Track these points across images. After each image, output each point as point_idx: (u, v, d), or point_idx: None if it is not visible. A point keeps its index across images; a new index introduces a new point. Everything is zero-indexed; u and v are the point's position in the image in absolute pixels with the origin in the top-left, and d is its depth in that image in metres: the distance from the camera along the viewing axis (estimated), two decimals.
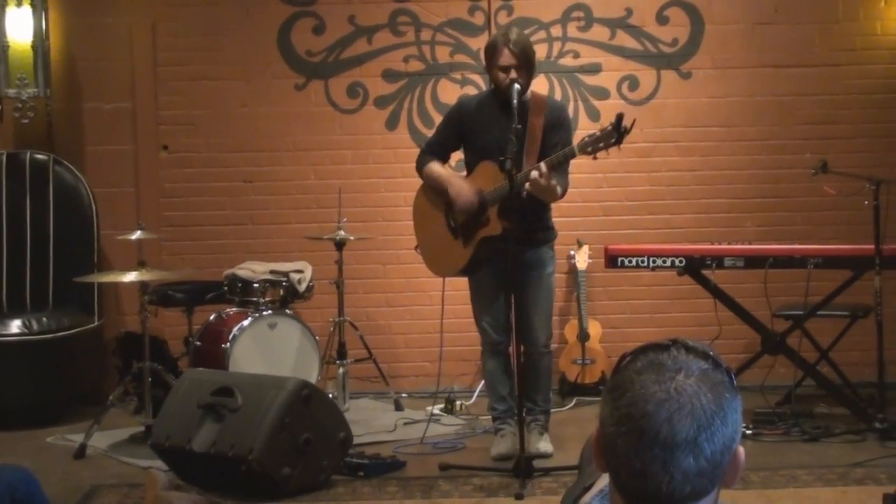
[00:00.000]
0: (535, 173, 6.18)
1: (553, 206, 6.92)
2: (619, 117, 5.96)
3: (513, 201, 6.25)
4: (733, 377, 1.92)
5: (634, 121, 6.06)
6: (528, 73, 6.62)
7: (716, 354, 1.93)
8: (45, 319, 8.02)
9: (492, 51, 6.67)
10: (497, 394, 7.03)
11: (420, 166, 7.02)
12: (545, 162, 6.19)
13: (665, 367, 1.88)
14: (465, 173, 6.96)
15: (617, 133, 5.97)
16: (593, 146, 6.08)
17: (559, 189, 6.45)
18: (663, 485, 1.84)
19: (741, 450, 1.91)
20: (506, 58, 6.56)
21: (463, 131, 6.87)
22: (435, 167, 6.92)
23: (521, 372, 6.43)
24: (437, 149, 7.01)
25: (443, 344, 7.73)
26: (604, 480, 2.14)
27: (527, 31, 8.53)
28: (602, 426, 1.92)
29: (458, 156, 7.19)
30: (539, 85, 8.45)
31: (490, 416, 7.21)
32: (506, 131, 6.28)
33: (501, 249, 6.45)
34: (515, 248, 6.35)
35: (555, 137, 6.62)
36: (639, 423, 1.84)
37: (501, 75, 6.56)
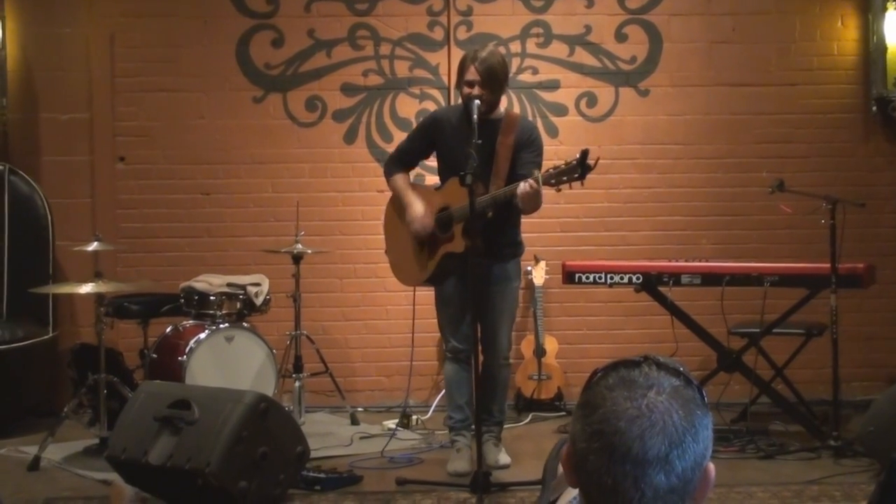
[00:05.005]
0: (524, 186, 6.21)
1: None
2: (585, 153, 5.98)
3: (475, 221, 6.28)
4: (704, 394, 1.93)
5: (598, 158, 6.07)
6: (492, 90, 6.65)
7: (686, 371, 1.93)
8: None
9: (461, 66, 6.78)
10: (455, 402, 7.02)
11: (387, 175, 7.12)
12: (542, 176, 6.19)
13: (636, 384, 1.88)
14: (437, 184, 7.05)
15: (581, 168, 5.99)
16: (557, 179, 6.11)
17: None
18: (634, 501, 1.84)
19: (711, 467, 1.91)
20: (470, 73, 6.65)
21: (435, 142, 6.94)
22: (400, 181, 7.02)
23: (479, 384, 6.45)
24: (406, 157, 7.12)
25: (413, 358, 7.76)
26: (570, 494, 2.14)
27: (477, 46, 8.59)
28: (573, 442, 1.91)
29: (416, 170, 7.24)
30: None
31: (446, 429, 7.20)
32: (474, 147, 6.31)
33: (467, 263, 6.47)
34: (478, 264, 6.37)
35: (523, 157, 6.66)
36: (610, 440, 1.84)
37: (466, 89, 6.64)
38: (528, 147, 6.73)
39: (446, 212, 6.73)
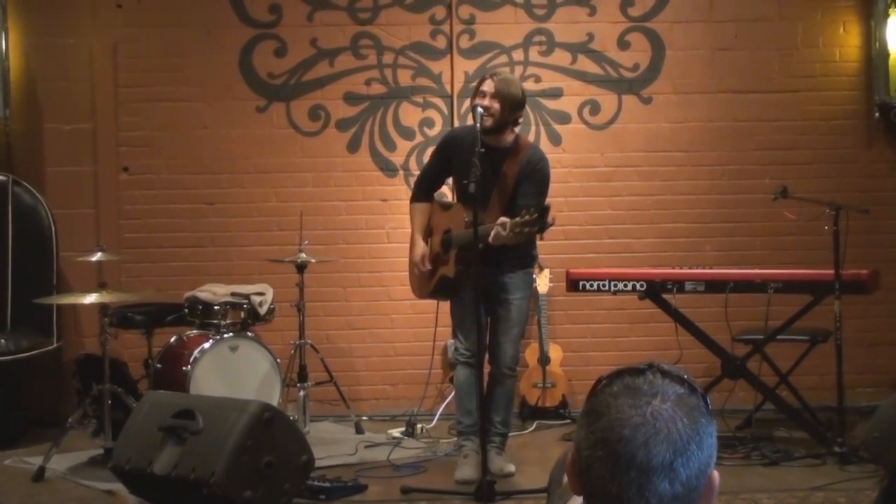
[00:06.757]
0: (498, 229, 6.28)
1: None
2: (545, 210, 6.11)
3: (473, 252, 6.37)
4: (708, 402, 1.93)
5: (555, 218, 6.24)
6: (503, 107, 6.70)
7: (691, 379, 1.93)
8: (3, 341, 7.95)
9: (478, 81, 6.94)
10: (464, 407, 7.02)
11: (410, 201, 7.27)
12: (509, 223, 6.21)
13: (641, 392, 1.88)
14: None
15: (541, 223, 6.08)
16: (520, 228, 6.14)
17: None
18: None
19: (716, 474, 1.91)
20: (486, 85, 6.77)
21: (450, 162, 6.99)
22: (415, 215, 7.17)
23: (484, 393, 6.50)
24: (428, 178, 7.25)
25: (418, 367, 7.81)
26: (574, 501, 2.13)
27: (488, 55, 8.64)
28: (578, 450, 1.91)
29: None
30: None
31: (452, 440, 7.22)
32: (483, 167, 6.33)
33: (479, 273, 6.48)
34: (485, 274, 6.42)
35: (523, 189, 6.70)
36: (615, 448, 1.84)
37: (477, 100, 6.73)
38: (530, 178, 6.76)
39: (448, 235, 6.84)
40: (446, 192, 7.48)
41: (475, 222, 6.24)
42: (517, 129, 6.96)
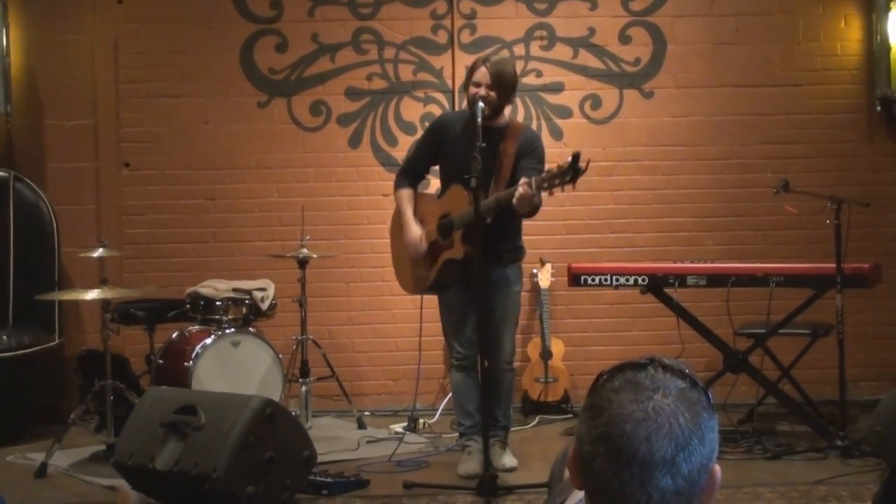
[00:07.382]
0: (522, 189, 6.15)
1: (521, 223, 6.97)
2: (576, 156, 5.93)
3: (478, 227, 6.28)
4: (710, 396, 1.92)
5: (589, 161, 5.99)
6: (499, 94, 6.68)
7: (692, 373, 1.93)
8: (5, 337, 7.96)
9: (472, 66, 6.86)
10: (463, 409, 7.03)
11: (394, 188, 7.20)
12: (535, 180, 6.13)
13: (642, 387, 1.88)
14: (438, 189, 7.10)
15: (572, 171, 5.93)
16: (549, 182, 6.06)
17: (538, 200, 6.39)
18: None
19: (717, 469, 1.90)
20: (479, 74, 6.71)
21: (439, 146, 6.95)
22: (403, 198, 7.08)
23: (484, 388, 6.47)
24: (414, 166, 7.20)
25: (420, 361, 7.80)
26: (575, 496, 2.13)
27: (489, 50, 8.60)
28: (579, 445, 1.91)
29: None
30: None
31: (455, 434, 7.22)
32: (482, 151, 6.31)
33: (468, 269, 6.48)
34: (481, 269, 6.37)
35: (523, 164, 6.67)
36: (617, 443, 1.83)
37: (473, 90, 6.68)
38: (529, 155, 6.74)
39: (447, 219, 6.77)
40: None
41: (476, 203, 6.21)
42: (508, 110, 6.95)
